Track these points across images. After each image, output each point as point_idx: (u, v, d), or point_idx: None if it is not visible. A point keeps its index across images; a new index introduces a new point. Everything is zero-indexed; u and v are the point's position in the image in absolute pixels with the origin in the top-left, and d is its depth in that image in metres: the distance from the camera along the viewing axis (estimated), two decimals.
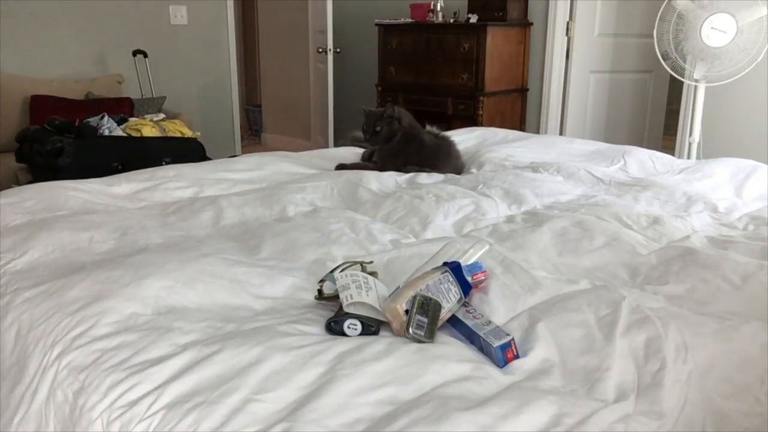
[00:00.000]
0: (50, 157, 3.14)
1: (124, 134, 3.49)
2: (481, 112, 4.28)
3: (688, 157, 3.66)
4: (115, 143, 3.39)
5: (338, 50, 5.17)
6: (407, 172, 2.47)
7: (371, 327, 1.22)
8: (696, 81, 3.54)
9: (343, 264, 1.40)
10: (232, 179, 2.32)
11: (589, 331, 1.21)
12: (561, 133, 4.52)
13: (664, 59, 3.48)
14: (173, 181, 2.23)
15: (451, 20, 4.53)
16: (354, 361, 1.09)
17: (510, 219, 1.96)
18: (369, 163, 2.63)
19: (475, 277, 1.34)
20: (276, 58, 6.37)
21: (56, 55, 4.33)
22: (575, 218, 1.86)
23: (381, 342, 1.16)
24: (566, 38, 4.44)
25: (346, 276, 1.29)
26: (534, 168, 2.53)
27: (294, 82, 6.09)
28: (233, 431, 0.96)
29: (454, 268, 1.30)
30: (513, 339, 1.17)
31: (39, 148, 3.20)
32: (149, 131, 3.53)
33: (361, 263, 1.39)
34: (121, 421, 1.03)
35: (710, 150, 3.65)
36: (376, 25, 4.82)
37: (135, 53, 4.50)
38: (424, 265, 1.41)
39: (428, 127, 2.72)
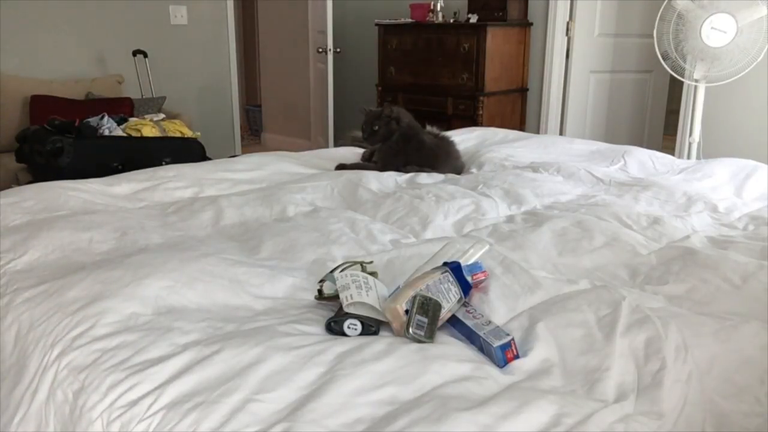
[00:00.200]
0: (50, 157, 3.14)
1: (124, 134, 3.49)
2: (481, 112, 4.28)
3: (688, 157, 3.65)
4: (115, 143, 3.39)
5: (338, 50, 5.17)
6: (407, 172, 2.47)
7: (371, 327, 1.22)
8: (696, 81, 3.54)
9: (343, 264, 1.40)
10: (232, 179, 2.32)
11: (589, 331, 1.21)
12: (561, 133, 4.52)
13: (664, 59, 3.48)
14: (173, 181, 2.23)
15: (451, 20, 4.53)
16: (354, 361, 1.09)
17: (510, 219, 1.96)
18: (369, 163, 2.63)
19: (475, 277, 1.34)
20: (276, 58, 6.37)
21: (56, 56, 4.33)
22: (575, 218, 1.86)
23: (381, 342, 1.16)
24: (566, 38, 4.44)
25: (346, 276, 1.29)
26: (534, 168, 2.53)
27: (294, 82, 6.09)
28: (233, 431, 0.96)
29: (454, 268, 1.30)
30: (513, 339, 1.17)
31: (39, 148, 3.19)
32: (149, 131, 3.53)
33: (361, 263, 1.39)
34: (121, 421, 1.03)
35: (710, 150, 3.65)
36: (376, 25, 4.82)
37: (135, 53, 4.50)
38: (424, 265, 1.41)
39: (428, 127, 2.73)
